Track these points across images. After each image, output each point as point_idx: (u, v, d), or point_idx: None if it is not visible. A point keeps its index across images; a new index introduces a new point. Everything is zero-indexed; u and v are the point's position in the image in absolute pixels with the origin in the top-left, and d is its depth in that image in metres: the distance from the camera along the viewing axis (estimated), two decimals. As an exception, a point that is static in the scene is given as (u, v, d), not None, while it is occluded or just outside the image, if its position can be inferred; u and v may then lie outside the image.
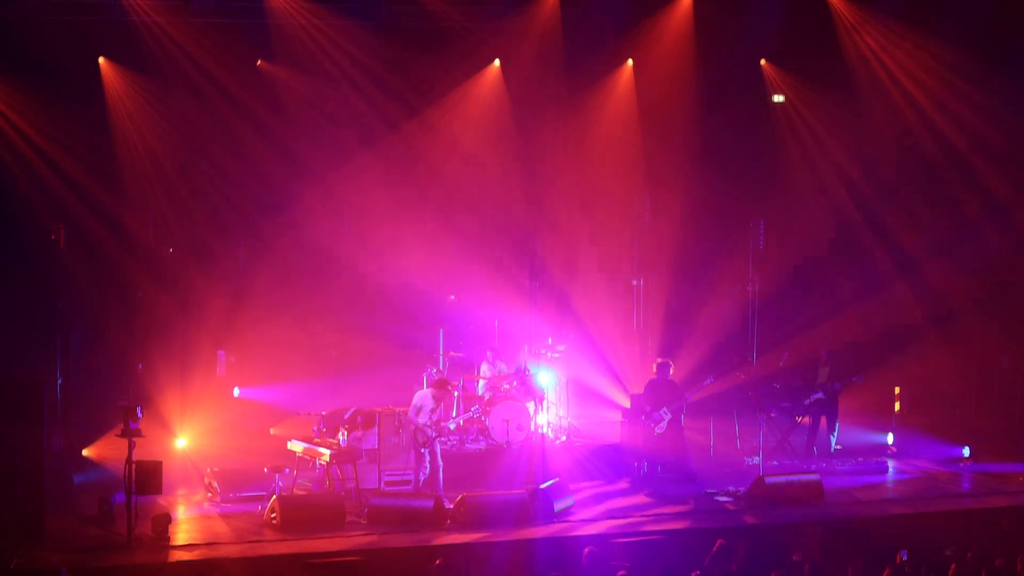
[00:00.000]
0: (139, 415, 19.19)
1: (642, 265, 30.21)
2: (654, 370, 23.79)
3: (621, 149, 29.15)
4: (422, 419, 21.30)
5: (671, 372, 23.72)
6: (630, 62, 29.03)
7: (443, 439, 22.25)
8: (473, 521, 20.02)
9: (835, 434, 25.28)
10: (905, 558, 17.49)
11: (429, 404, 21.41)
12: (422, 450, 21.37)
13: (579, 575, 16.97)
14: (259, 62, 27.22)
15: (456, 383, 24.22)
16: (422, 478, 21.50)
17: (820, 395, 25.21)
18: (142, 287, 26.65)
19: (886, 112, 28.86)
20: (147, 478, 19.06)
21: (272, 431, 24.12)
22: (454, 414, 23.98)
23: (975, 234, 28.60)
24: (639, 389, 24.22)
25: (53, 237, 24.98)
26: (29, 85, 25.53)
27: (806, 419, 25.48)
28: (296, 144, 27.46)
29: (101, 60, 26.35)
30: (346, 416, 21.92)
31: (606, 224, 29.29)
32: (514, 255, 28.82)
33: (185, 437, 24.69)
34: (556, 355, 25.73)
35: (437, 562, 17.29)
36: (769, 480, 21.98)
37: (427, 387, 22.34)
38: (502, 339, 26.08)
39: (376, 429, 22.53)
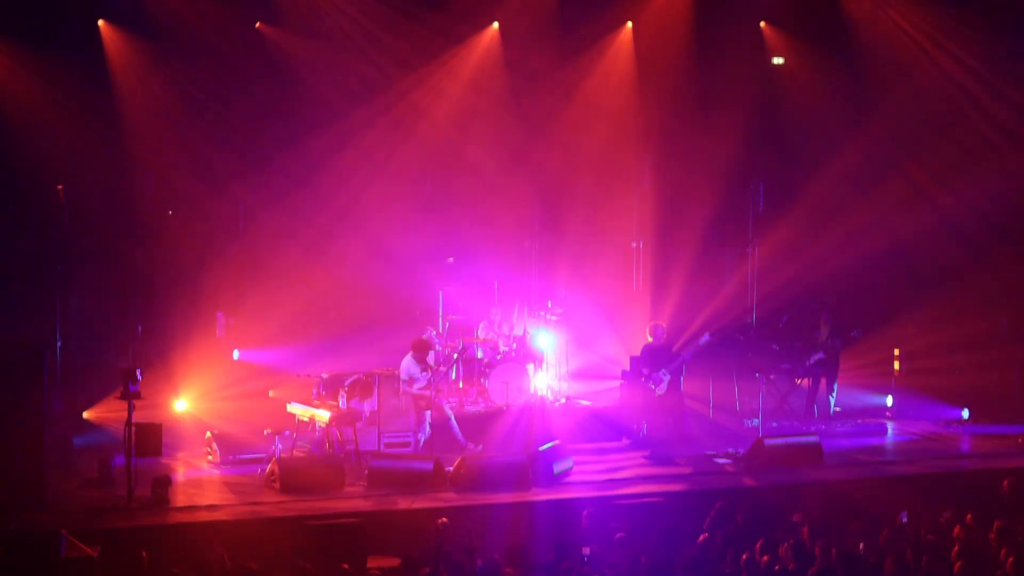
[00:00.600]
0: (138, 378, 19.17)
1: (642, 227, 30.16)
2: (648, 334, 23.79)
3: (620, 111, 29.09)
4: (417, 388, 21.39)
5: (665, 335, 23.74)
6: (629, 24, 28.94)
7: (449, 400, 22.33)
8: (473, 483, 20.04)
9: (834, 395, 25.28)
10: (905, 520, 17.54)
11: (417, 370, 21.50)
12: (424, 413, 21.43)
13: (579, 537, 16.98)
14: (257, 24, 27.11)
15: (456, 344, 24.23)
16: (422, 439, 21.55)
17: (821, 355, 25.21)
18: (142, 249, 26.61)
19: (886, 71, 28.80)
20: (147, 441, 19.09)
21: (271, 393, 24.16)
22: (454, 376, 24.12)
23: (976, 191, 28.54)
24: (638, 351, 24.21)
25: (53, 199, 24.88)
26: (28, 46, 25.43)
27: (805, 381, 25.48)
28: (294, 105, 27.42)
29: (101, 23, 26.24)
30: (347, 383, 21.93)
31: (606, 186, 29.25)
32: (513, 217, 28.79)
33: (185, 400, 24.72)
34: (555, 317, 25.70)
35: (441, 520, 17.31)
36: (768, 442, 22.01)
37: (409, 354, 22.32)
38: (501, 301, 26.06)
39: (375, 394, 22.55)
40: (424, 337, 22.53)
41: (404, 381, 21.69)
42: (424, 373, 21.59)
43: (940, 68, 28.45)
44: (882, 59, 28.87)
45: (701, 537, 16.12)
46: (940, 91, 28.60)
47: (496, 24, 28.31)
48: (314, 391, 22.07)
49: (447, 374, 23.77)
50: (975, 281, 28.22)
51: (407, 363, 21.85)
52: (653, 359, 23.39)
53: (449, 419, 21.77)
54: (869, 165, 29.32)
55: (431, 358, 22.14)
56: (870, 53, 28.88)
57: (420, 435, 21.56)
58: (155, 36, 26.23)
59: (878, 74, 29.02)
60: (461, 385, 24.40)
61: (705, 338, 23.64)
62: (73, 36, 25.68)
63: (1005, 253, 28.50)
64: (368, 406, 22.30)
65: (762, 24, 29.37)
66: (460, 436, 21.85)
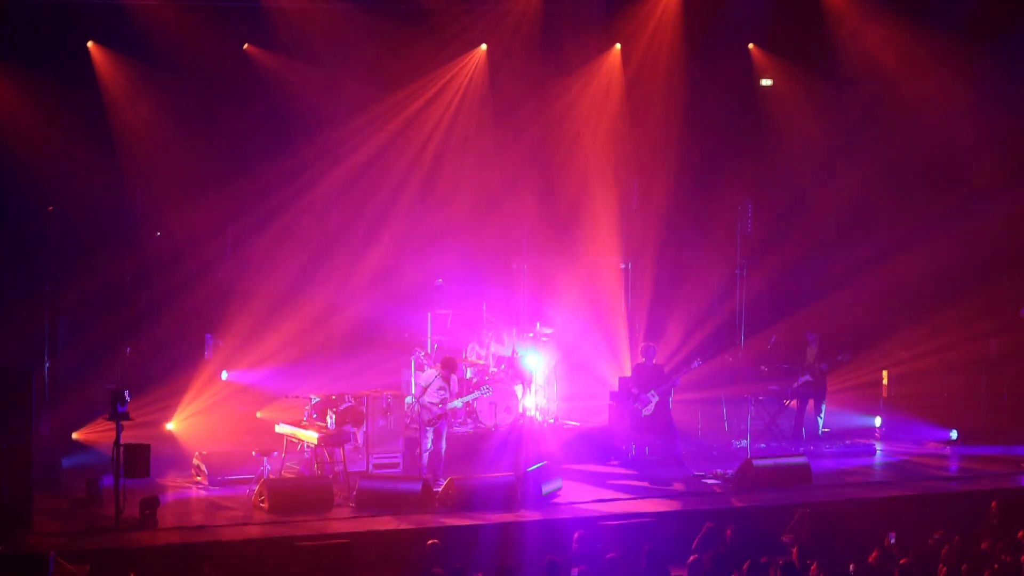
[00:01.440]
0: (127, 399, 19.16)
1: (631, 248, 30.18)
2: (640, 354, 23.85)
3: (609, 132, 29.13)
4: (428, 398, 21.34)
5: (656, 356, 23.79)
6: (618, 46, 29.00)
7: (451, 419, 22.28)
8: (461, 504, 20.03)
9: (823, 416, 25.30)
10: (893, 541, 17.54)
11: (437, 383, 21.44)
12: (426, 428, 21.37)
13: (568, 558, 16.97)
14: (245, 45, 27.12)
15: (484, 380, 24.22)
16: (426, 456, 21.45)
17: (808, 377, 25.23)
18: (130, 271, 26.58)
19: (871, 97, 28.90)
20: (135, 461, 19.05)
21: (259, 414, 24.11)
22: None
23: (962, 216, 28.60)
24: (627, 372, 24.23)
25: (41, 220, 24.90)
26: (16, 70, 25.41)
27: (794, 402, 25.50)
28: (282, 126, 27.42)
29: (90, 44, 26.24)
30: (340, 408, 21.90)
31: (594, 208, 29.25)
32: (502, 239, 28.79)
33: (174, 421, 24.67)
34: (544, 338, 25.71)
35: (431, 541, 17.29)
36: (757, 463, 22.03)
37: (433, 367, 22.33)
38: (490, 323, 26.05)
39: (365, 412, 22.54)
40: (453, 357, 22.47)
41: (417, 387, 21.62)
42: (441, 392, 21.52)
43: (922, 87, 28.55)
44: (864, 79, 28.93)
45: (691, 559, 16.11)
46: (923, 113, 28.68)
47: (484, 46, 28.34)
48: (305, 414, 22.03)
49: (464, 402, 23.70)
50: (964, 303, 28.23)
51: (428, 373, 21.80)
52: (643, 380, 23.46)
53: (440, 452, 21.64)
54: (859, 188, 29.35)
55: (454, 383, 22.03)
56: (854, 73, 28.93)
57: (424, 448, 21.49)
58: (145, 57, 26.19)
59: (863, 95, 29.06)
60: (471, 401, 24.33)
61: (696, 364, 23.72)
62: (61, 56, 25.64)
63: (994, 275, 28.53)
64: (360, 432, 22.28)
65: (750, 46, 29.43)
66: (441, 471, 21.63)
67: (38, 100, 25.59)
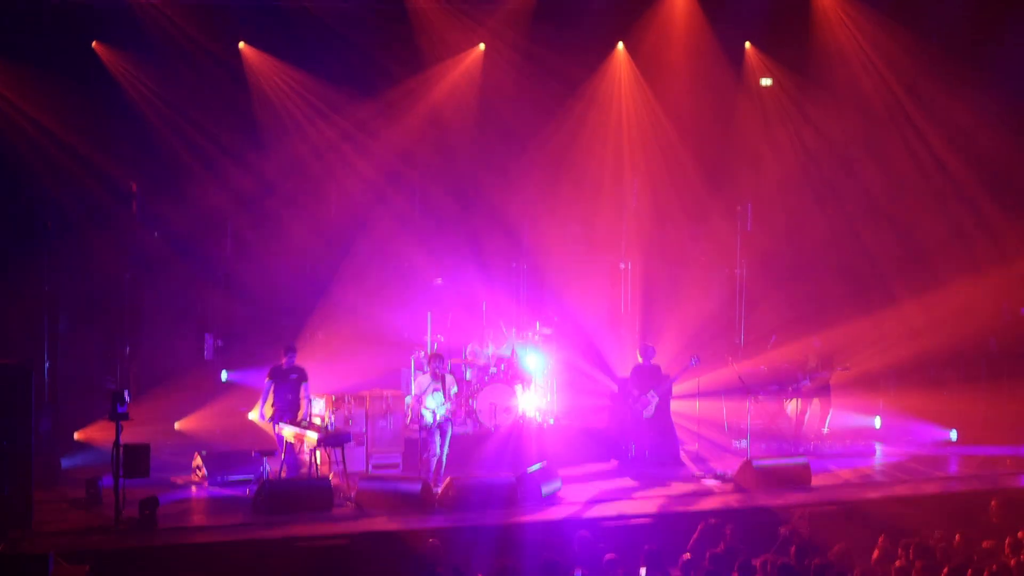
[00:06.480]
0: (127, 399, 19.16)
1: (630, 248, 30.17)
2: (638, 355, 23.87)
3: (608, 131, 29.12)
4: (425, 403, 21.35)
5: (654, 356, 23.81)
6: (620, 45, 28.95)
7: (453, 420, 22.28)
8: (461, 505, 20.04)
9: (828, 418, 25.29)
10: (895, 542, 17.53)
11: (432, 387, 21.43)
12: (434, 433, 21.37)
13: (568, 559, 16.96)
14: (241, 44, 27.06)
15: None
16: (433, 461, 21.44)
17: (807, 383, 25.24)
18: (130, 270, 26.58)
19: (865, 101, 28.91)
20: (135, 461, 19.05)
21: (251, 415, 24.12)
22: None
23: (957, 221, 28.64)
24: (627, 372, 24.24)
25: (40, 218, 24.88)
26: (11, 66, 25.39)
27: (794, 403, 25.49)
28: (280, 126, 27.37)
29: (94, 44, 26.18)
30: (335, 403, 21.94)
31: (593, 207, 29.24)
32: (501, 238, 28.77)
33: (174, 421, 24.67)
34: (543, 338, 25.70)
35: (430, 540, 17.29)
36: (757, 463, 22.03)
37: (422, 369, 22.35)
38: (489, 322, 26.06)
39: (364, 413, 22.56)
40: (439, 352, 22.45)
41: (417, 393, 21.65)
42: (436, 395, 21.50)
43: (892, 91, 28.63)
44: (844, 77, 28.94)
45: (684, 557, 16.09)
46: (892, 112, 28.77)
47: (482, 45, 28.29)
48: (305, 412, 22.02)
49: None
50: (964, 303, 28.21)
51: (424, 381, 21.75)
52: (642, 380, 23.48)
53: (443, 456, 21.63)
54: (854, 188, 29.36)
55: (450, 384, 21.95)
56: (842, 74, 28.95)
57: (430, 453, 21.46)
58: (146, 53, 26.11)
59: (852, 94, 29.07)
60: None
61: (693, 361, 23.71)
62: (61, 55, 25.57)
63: (996, 275, 28.52)
64: (356, 426, 22.30)
65: (747, 45, 29.38)
66: (442, 476, 21.59)
67: (35, 97, 25.49)
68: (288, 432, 21.61)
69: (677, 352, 25.92)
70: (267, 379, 21.91)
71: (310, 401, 21.99)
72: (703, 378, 24.97)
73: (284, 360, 21.96)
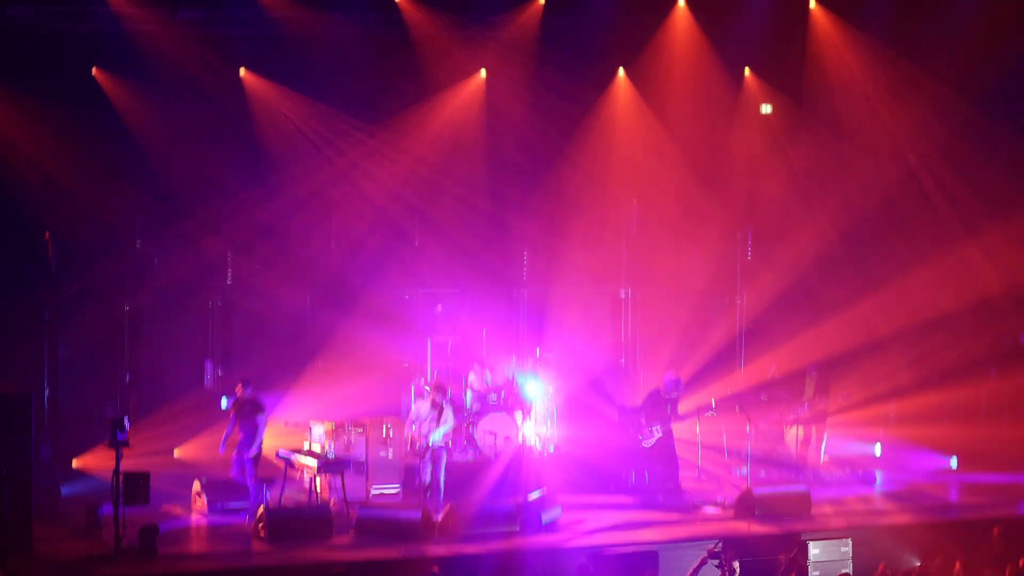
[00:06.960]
0: (126, 426, 19.14)
1: (630, 276, 30.17)
2: (663, 383, 23.78)
3: (608, 158, 29.14)
4: (422, 429, 21.33)
5: (679, 391, 23.75)
6: (621, 71, 28.98)
7: (451, 448, 22.24)
8: (461, 532, 19.99)
9: (824, 444, 25.27)
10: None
11: (431, 415, 21.42)
12: (426, 460, 21.34)
13: (569, 586, 16.98)
14: (241, 70, 27.10)
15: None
16: (425, 488, 21.43)
17: (805, 410, 25.23)
18: (130, 297, 26.58)
19: (865, 132, 28.95)
20: (135, 489, 19.02)
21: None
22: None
23: (957, 248, 28.60)
24: (627, 400, 24.21)
25: (40, 246, 24.90)
26: (13, 92, 25.43)
27: (794, 430, 25.47)
28: (280, 151, 27.39)
29: (94, 70, 26.21)
30: (336, 430, 21.92)
31: (594, 235, 29.24)
32: (502, 266, 28.79)
33: (174, 448, 24.65)
34: (544, 365, 25.68)
35: (434, 569, 17.27)
36: (757, 491, 21.98)
37: (422, 396, 22.34)
38: (490, 350, 26.04)
39: (364, 440, 22.54)
40: (442, 382, 22.45)
41: (414, 419, 21.63)
42: (432, 423, 21.47)
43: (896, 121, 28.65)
44: (842, 106, 28.97)
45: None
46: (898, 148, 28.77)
47: (484, 71, 28.33)
48: (306, 442, 21.99)
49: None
50: (964, 331, 28.19)
51: (422, 407, 21.75)
52: (654, 411, 23.45)
53: (440, 483, 21.60)
54: (855, 216, 29.35)
55: (447, 412, 21.88)
56: (839, 103, 28.98)
57: (424, 478, 21.44)
58: (146, 80, 26.14)
59: (851, 124, 29.09)
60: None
61: (711, 412, 23.74)
62: (61, 81, 25.62)
63: (993, 306, 28.51)
64: (355, 454, 22.28)
65: (747, 72, 29.38)
66: (440, 503, 21.58)
67: (37, 125, 25.53)
68: (287, 458, 21.58)
69: (679, 375, 25.88)
70: (232, 410, 21.80)
71: (258, 432, 21.66)
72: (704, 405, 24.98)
73: (240, 392, 21.81)
